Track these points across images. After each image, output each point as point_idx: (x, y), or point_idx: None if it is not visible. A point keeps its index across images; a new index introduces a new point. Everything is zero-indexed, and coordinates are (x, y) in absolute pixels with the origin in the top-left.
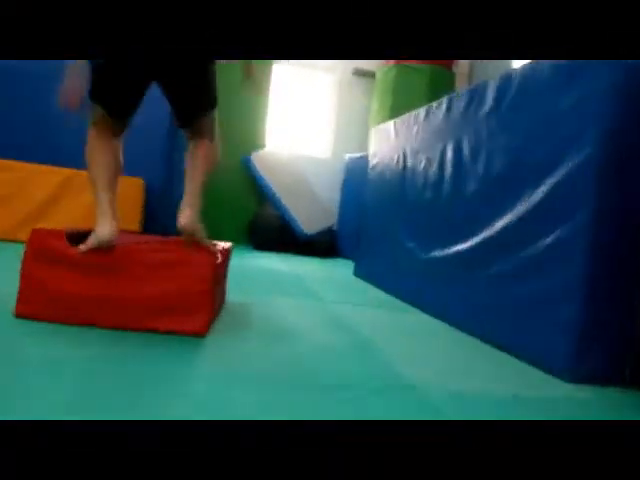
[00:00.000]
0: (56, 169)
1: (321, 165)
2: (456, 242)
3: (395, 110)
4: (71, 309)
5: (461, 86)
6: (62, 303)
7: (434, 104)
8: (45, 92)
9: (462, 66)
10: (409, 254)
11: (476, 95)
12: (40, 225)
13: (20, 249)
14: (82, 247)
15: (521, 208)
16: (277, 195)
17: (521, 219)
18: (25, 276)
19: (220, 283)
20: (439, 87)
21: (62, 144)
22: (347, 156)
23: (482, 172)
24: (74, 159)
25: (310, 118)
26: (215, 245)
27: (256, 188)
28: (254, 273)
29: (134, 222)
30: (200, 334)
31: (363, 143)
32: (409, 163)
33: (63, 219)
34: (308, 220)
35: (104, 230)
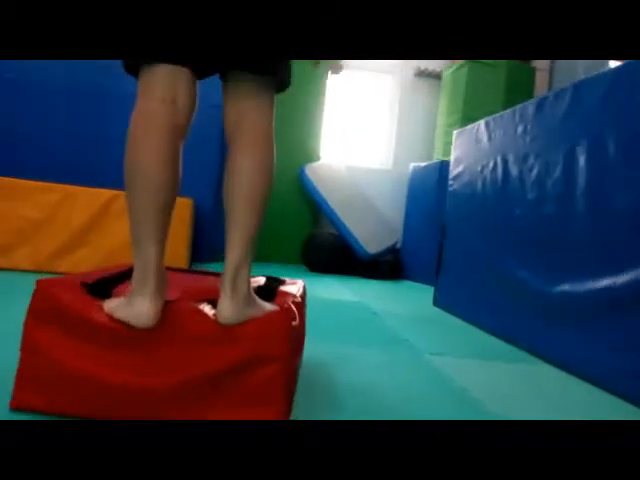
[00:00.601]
0: (96, 190)
1: (381, 177)
2: (602, 274)
3: (468, 113)
4: (90, 398)
5: (542, 82)
6: (78, 390)
7: (549, 95)
8: (83, 109)
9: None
10: (519, 286)
11: (622, 79)
12: (80, 253)
13: None
14: (106, 307)
15: None
16: (334, 210)
17: None
18: (26, 351)
19: (298, 351)
20: (517, 85)
21: (102, 163)
22: (411, 166)
23: None
24: (115, 180)
25: (369, 126)
26: (286, 294)
27: (311, 203)
28: (318, 306)
29: (182, 249)
30: None
31: (428, 151)
32: (512, 170)
33: (105, 246)
34: (369, 238)
35: (141, 311)
